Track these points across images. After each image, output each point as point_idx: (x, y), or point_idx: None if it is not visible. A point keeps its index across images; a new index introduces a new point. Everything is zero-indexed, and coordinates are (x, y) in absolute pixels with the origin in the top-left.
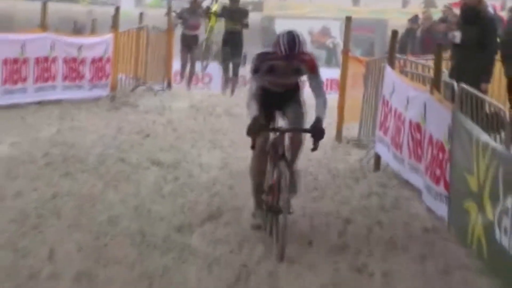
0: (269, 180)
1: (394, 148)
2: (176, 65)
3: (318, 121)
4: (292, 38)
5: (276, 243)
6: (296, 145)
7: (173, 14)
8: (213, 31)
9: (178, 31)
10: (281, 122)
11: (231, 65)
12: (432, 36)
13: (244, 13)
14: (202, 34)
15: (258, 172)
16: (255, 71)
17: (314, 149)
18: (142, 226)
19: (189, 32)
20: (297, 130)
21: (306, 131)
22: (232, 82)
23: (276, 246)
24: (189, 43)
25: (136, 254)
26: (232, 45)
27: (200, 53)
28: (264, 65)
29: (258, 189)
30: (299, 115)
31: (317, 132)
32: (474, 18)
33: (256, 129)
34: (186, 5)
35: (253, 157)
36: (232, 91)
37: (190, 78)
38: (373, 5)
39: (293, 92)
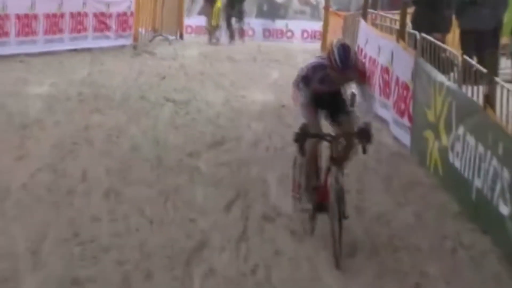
0: (314, 180)
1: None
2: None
3: (365, 125)
4: (345, 52)
5: (332, 247)
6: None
7: None
8: (219, 14)
9: None
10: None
11: (233, 20)
12: None
13: None
14: None
15: (311, 173)
16: (306, 81)
17: (364, 152)
18: (159, 153)
19: None
20: (345, 135)
21: (353, 135)
22: (240, 32)
23: (333, 252)
24: (211, 3)
25: (154, 175)
26: (234, 4)
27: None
28: (316, 76)
29: (309, 187)
30: (350, 118)
31: (365, 135)
32: None
33: (303, 138)
34: None
35: (306, 162)
36: (242, 39)
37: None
38: None
39: (339, 92)
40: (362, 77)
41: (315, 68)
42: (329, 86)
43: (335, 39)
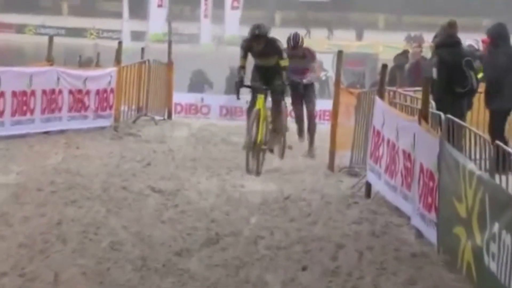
0: None
1: (388, 177)
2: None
3: None
4: None
5: None
6: None
7: None
8: None
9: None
10: None
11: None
12: (419, 70)
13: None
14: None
15: None
16: None
17: None
18: (143, 251)
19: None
20: None
21: None
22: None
23: None
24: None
25: (137, 278)
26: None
27: None
28: None
29: None
30: None
31: None
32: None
33: None
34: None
35: None
36: (311, 141)
37: None
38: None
39: None
40: None
41: None
42: None
43: (347, 120)
